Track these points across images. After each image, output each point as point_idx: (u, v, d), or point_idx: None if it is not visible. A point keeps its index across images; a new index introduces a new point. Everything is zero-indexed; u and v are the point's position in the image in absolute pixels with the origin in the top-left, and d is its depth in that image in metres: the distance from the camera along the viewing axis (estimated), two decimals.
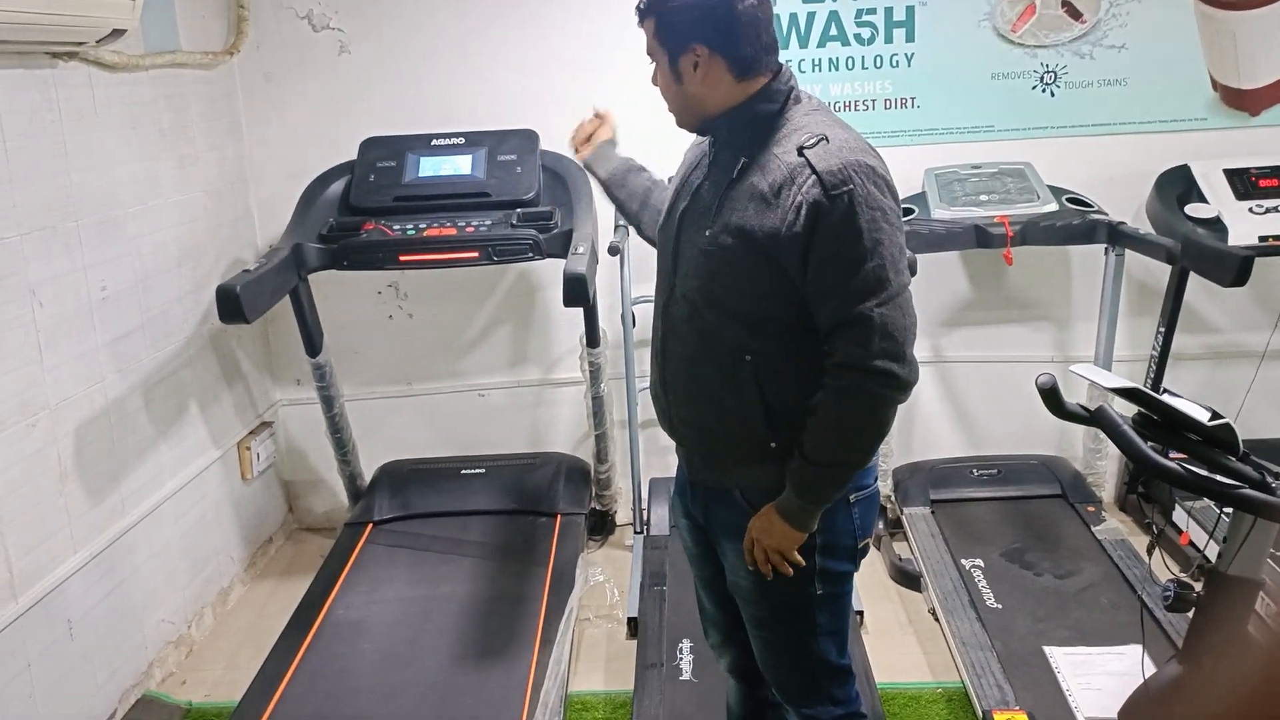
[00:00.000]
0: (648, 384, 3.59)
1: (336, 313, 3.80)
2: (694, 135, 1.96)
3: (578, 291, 2.79)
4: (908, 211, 3.48)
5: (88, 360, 2.80)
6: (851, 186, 1.64)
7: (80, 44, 2.73)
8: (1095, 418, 1.98)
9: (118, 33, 2.72)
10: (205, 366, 3.44)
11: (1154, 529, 2.86)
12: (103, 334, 2.86)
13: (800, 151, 1.68)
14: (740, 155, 1.76)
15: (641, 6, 1.83)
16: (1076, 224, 3.34)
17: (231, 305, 2.77)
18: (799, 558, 1.79)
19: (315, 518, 4.11)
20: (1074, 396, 2.46)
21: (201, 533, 3.36)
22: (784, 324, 1.74)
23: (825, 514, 1.80)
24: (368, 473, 3.83)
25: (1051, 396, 2.05)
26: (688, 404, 1.89)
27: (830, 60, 3.67)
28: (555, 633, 2.83)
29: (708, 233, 1.77)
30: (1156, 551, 2.18)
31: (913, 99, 3.71)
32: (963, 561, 3.26)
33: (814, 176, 1.64)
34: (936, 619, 3.17)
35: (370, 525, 3.52)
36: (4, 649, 2.42)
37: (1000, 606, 3.01)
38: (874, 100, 3.71)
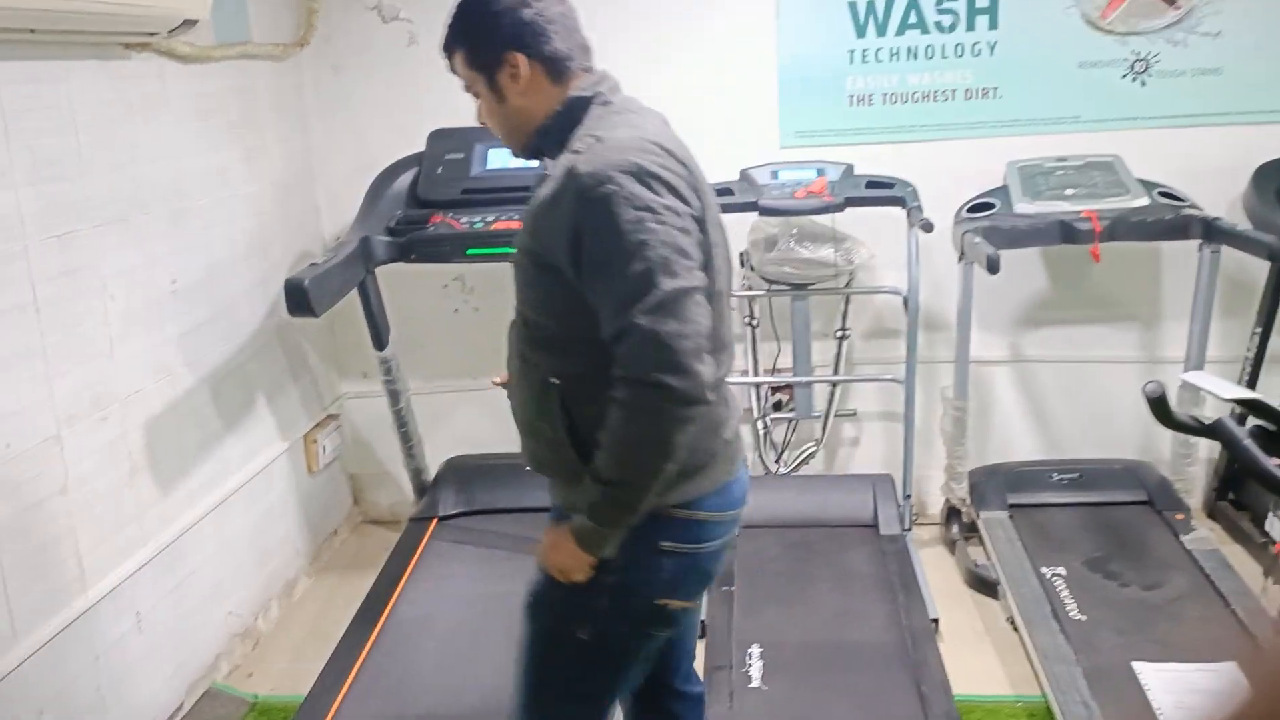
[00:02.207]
0: None
1: (402, 306, 3.78)
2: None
3: None
4: (988, 206, 3.36)
5: (157, 353, 2.79)
6: (613, 187, 1.54)
7: (153, 34, 2.72)
8: (1213, 430, 1.86)
9: (189, 23, 2.71)
10: (272, 359, 3.44)
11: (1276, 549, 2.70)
12: (172, 327, 2.86)
13: (574, 154, 1.61)
14: (545, 166, 1.75)
15: (448, 42, 1.77)
16: (1169, 219, 3.19)
17: (300, 299, 2.75)
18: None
19: (380, 511, 4.10)
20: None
21: (268, 525, 3.36)
22: (589, 343, 1.61)
23: (627, 551, 1.66)
24: (433, 467, 3.80)
25: (1160, 405, 1.94)
26: (520, 428, 1.85)
27: (909, 49, 3.56)
28: None
29: (513, 252, 1.75)
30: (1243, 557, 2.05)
31: (994, 89, 3.58)
32: (1043, 569, 3.14)
33: (577, 179, 1.56)
34: (1015, 628, 3.05)
35: (435, 521, 3.49)
36: (74, 641, 2.42)
37: (1084, 618, 2.89)
38: (954, 90, 3.59)
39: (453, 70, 1.79)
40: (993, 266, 2.95)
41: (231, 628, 3.10)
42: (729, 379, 1.76)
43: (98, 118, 2.57)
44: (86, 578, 2.47)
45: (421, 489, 3.74)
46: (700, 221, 1.62)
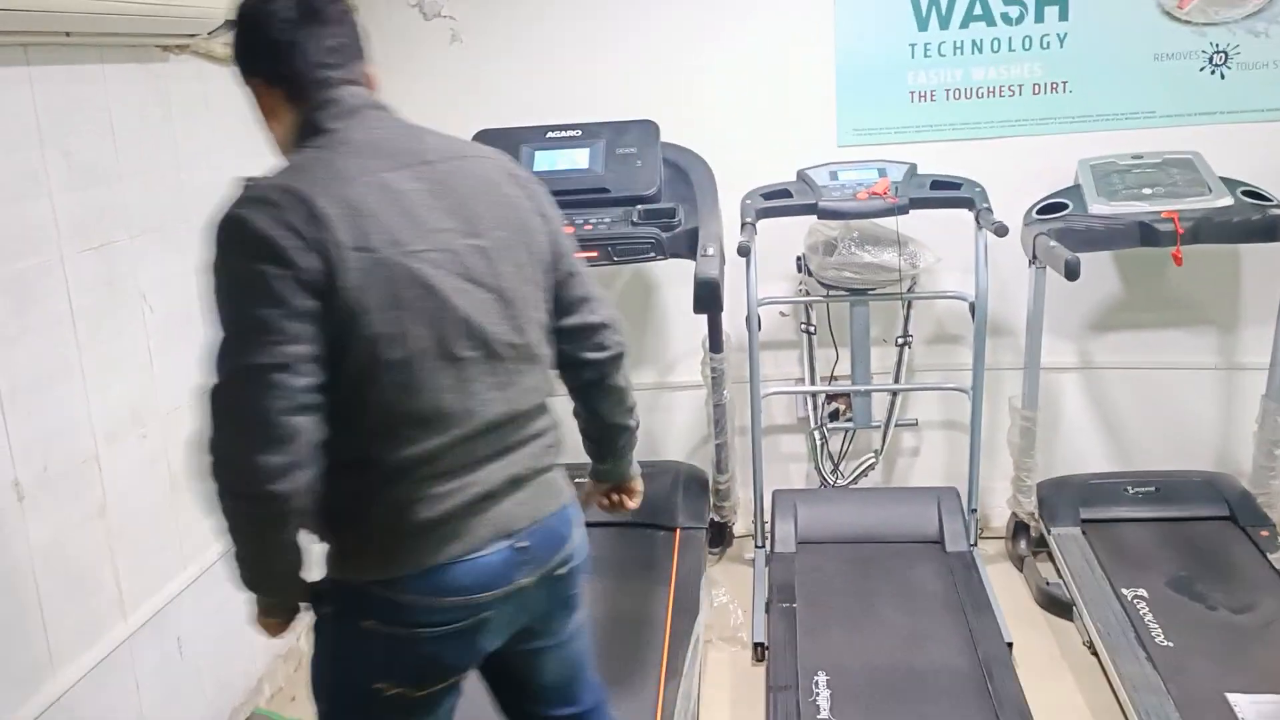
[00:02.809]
0: (772, 389, 3.38)
1: None
2: None
3: (710, 297, 2.60)
4: (1060, 207, 3.19)
5: (198, 366, 2.68)
6: (215, 248, 1.46)
7: (192, 36, 2.62)
8: None
9: (230, 24, 2.59)
10: None
11: None
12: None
13: None
14: None
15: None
16: (1256, 220, 3.01)
17: None
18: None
19: None
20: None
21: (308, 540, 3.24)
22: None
23: (334, 625, 1.62)
24: None
25: None
26: None
27: (974, 43, 3.39)
28: (682, 662, 2.65)
29: None
30: None
31: (1064, 83, 3.41)
32: (1123, 591, 2.98)
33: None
34: (1094, 652, 2.90)
35: None
36: (114, 669, 2.32)
37: (1171, 644, 2.73)
38: (1021, 85, 3.42)
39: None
40: (1072, 272, 2.79)
41: (274, 649, 2.99)
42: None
43: (136, 122, 2.46)
44: (126, 602, 2.37)
45: None
46: (331, 287, 1.42)
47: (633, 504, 2.00)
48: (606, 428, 1.86)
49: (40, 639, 2.11)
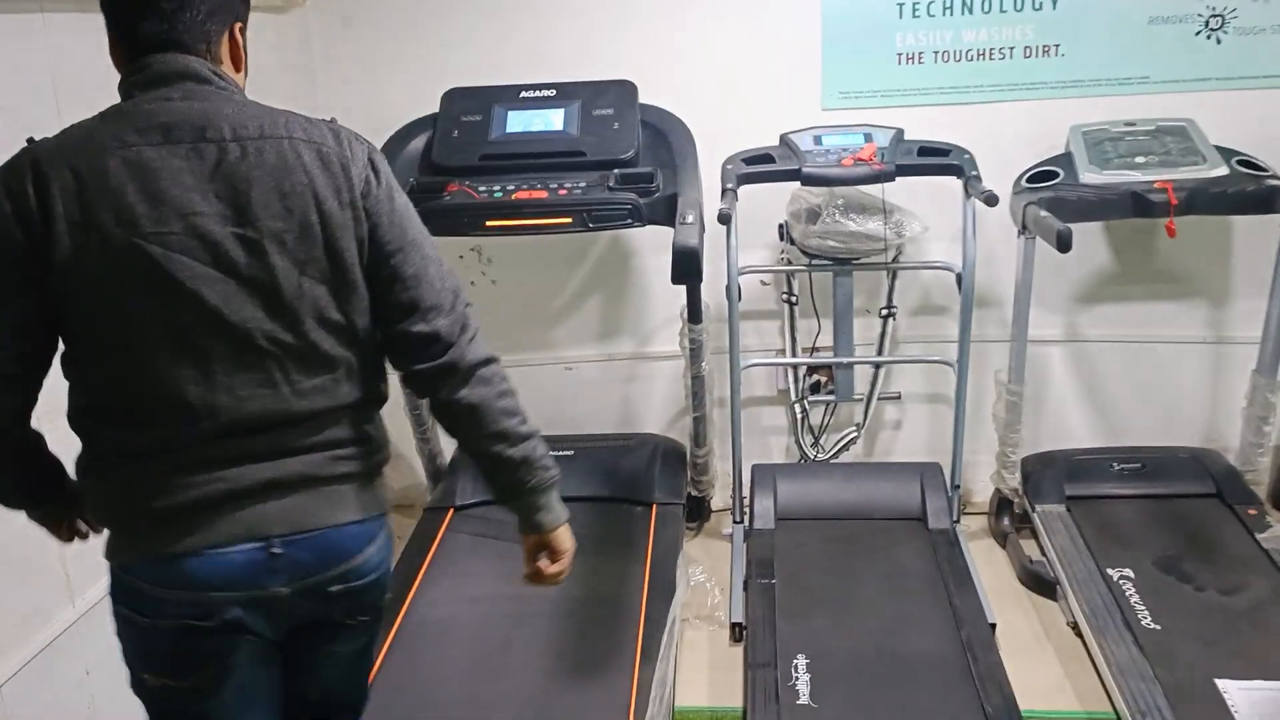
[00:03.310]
0: (752, 361, 3.28)
1: None
2: None
3: (689, 267, 2.48)
4: (1051, 175, 3.09)
5: None
6: None
7: None
8: None
9: None
10: None
11: None
12: None
13: None
14: None
15: None
16: (1252, 190, 2.92)
17: None
18: None
19: (393, 494, 3.87)
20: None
21: None
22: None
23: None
24: (447, 451, 3.57)
25: None
26: None
27: (964, 3, 3.27)
28: (658, 645, 2.55)
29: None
30: None
31: (1056, 46, 3.29)
32: (1109, 571, 2.91)
33: None
34: (1078, 633, 2.83)
35: (451, 511, 3.26)
36: (60, 656, 2.21)
37: (1159, 627, 2.66)
38: (1011, 48, 3.30)
39: None
40: (1064, 244, 2.69)
41: None
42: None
43: (79, 80, 2.30)
44: (73, 586, 2.25)
45: (436, 475, 3.52)
46: (38, 260, 1.38)
47: (554, 569, 1.75)
48: (477, 458, 1.66)
49: None
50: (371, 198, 1.51)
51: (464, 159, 3.04)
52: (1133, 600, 2.78)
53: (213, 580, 1.48)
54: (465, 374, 1.57)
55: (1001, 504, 3.41)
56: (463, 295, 1.61)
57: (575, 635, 2.66)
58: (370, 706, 2.39)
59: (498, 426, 1.60)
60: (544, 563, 1.73)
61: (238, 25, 1.57)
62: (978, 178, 2.99)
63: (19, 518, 2.09)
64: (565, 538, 1.73)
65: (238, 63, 1.59)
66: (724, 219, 2.87)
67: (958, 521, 3.26)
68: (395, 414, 3.48)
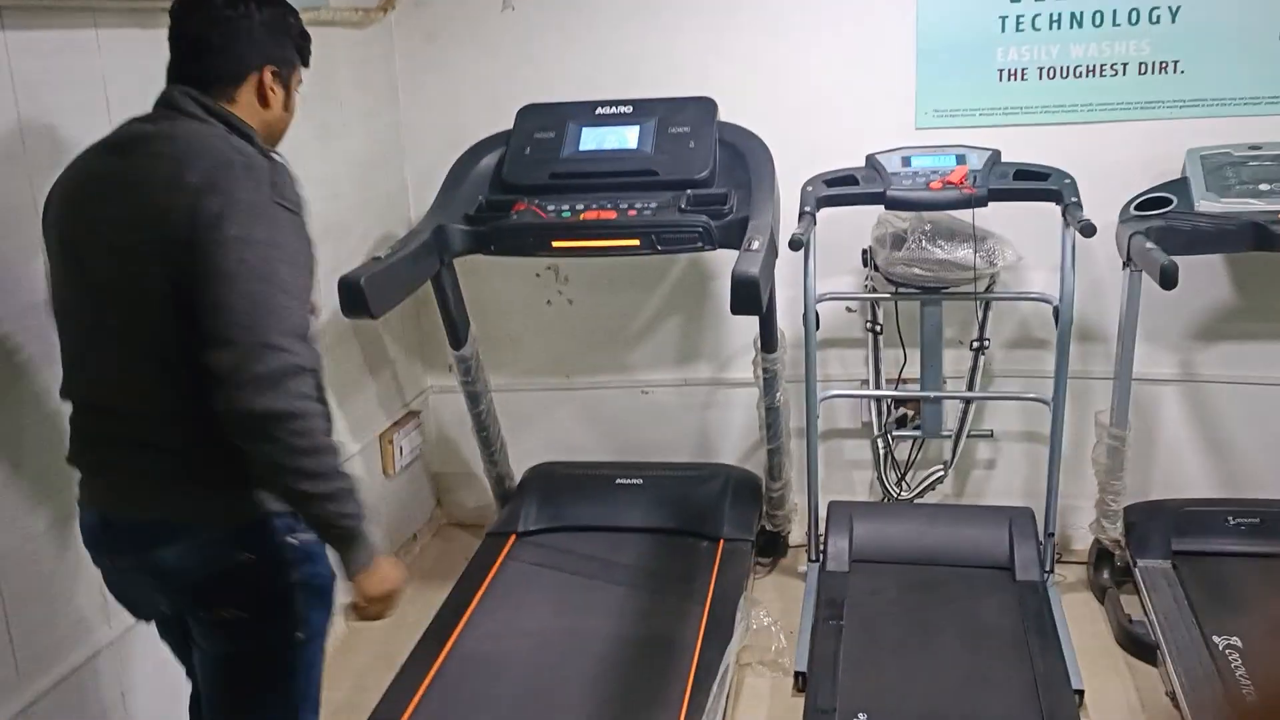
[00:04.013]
0: (832, 392, 3.11)
1: (491, 296, 3.49)
2: None
3: (748, 297, 2.34)
4: (1163, 202, 2.85)
5: None
6: None
7: None
8: None
9: None
10: (346, 355, 3.18)
11: None
12: None
13: None
14: None
15: None
16: None
17: (355, 299, 2.47)
18: None
19: (465, 513, 3.83)
20: None
21: None
22: None
23: None
24: (518, 472, 3.51)
25: None
26: None
27: (1073, 15, 3.04)
28: (705, 698, 2.41)
29: None
30: None
31: (1175, 63, 3.04)
32: (1215, 638, 2.65)
33: None
34: (1176, 704, 2.58)
35: (514, 537, 3.19)
36: (95, 677, 2.20)
37: (1263, 705, 2.39)
38: (1125, 64, 3.06)
39: None
40: (1168, 280, 2.45)
41: None
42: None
43: (137, 94, 2.30)
44: (110, 607, 2.23)
45: (504, 497, 3.45)
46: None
47: (368, 612, 1.72)
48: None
49: (3, 646, 1.99)
50: (212, 221, 1.52)
51: (534, 177, 2.96)
52: (1238, 673, 2.52)
53: (84, 535, 1.78)
54: (249, 418, 1.49)
55: (1101, 555, 3.16)
56: (281, 338, 1.49)
57: (623, 678, 2.55)
58: None
59: (286, 487, 1.58)
60: (359, 601, 1.73)
61: (269, 69, 1.74)
62: (1077, 204, 2.77)
63: (59, 537, 2.10)
64: (368, 584, 1.69)
65: (265, 101, 1.75)
66: (796, 245, 2.72)
67: (1050, 572, 3.02)
68: (466, 434, 3.45)
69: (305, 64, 1.83)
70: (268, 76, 1.73)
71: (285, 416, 1.48)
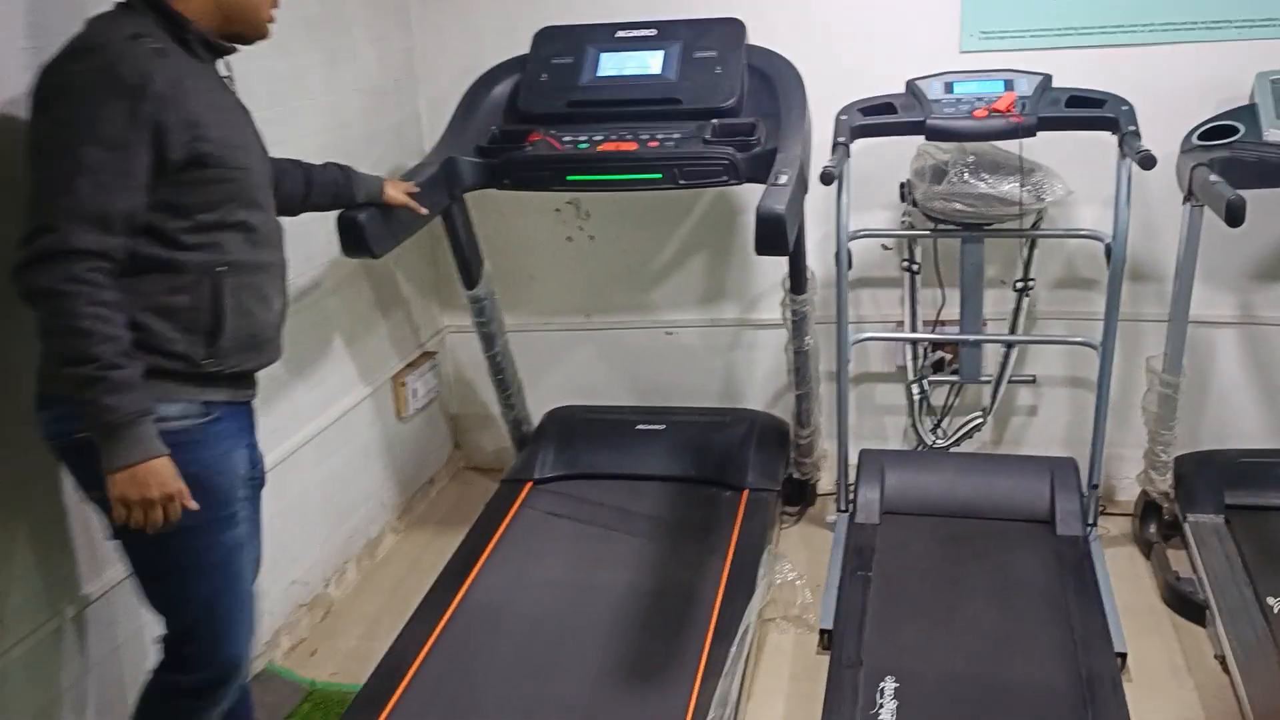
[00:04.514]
0: (865, 335, 2.95)
1: (508, 231, 3.34)
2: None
3: (774, 236, 2.16)
4: (1229, 131, 2.63)
5: None
6: None
7: None
8: None
9: None
10: (356, 293, 3.05)
11: None
12: None
13: None
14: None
15: None
16: None
17: (355, 237, 2.32)
18: None
19: (484, 456, 3.73)
20: None
21: (347, 479, 3.01)
22: None
23: None
24: (536, 415, 3.38)
25: None
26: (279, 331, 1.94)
27: None
28: (724, 658, 2.29)
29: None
30: None
31: None
32: (1269, 600, 2.49)
33: None
34: (1226, 669, 2.44)
35: (529, 484, 3.07)
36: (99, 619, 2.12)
37: None
38: None
39: None
40: (1235, 216, 2.26)
41: (296, 598, 2.78)
42: None
43: None
44: (99, 553, 2.14)
45: (522, 440, 3.33)
46: None
47: (126, 518, 1.65)
48: None
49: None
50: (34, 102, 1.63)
51: (550, 105, 2.79)
52: None
53: None
54: (25, 300, 1.58)
55: (1148, 508, 3.00)
56: (60, 219, 1.55)
57: (637, 636, 2.43)
58: (407, 696, 2.24)
59: (54, 367, 1.62)
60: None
61: None
62: (1135, 133, 2.56)
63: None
64: (120, 485, 1.62)
65: None
66: (828, 178, 2.53)
67: (1093, 525, 2.87)
68: (484, 375, 3.31)
69: None
70: None
71: (46, 294, 1.54)
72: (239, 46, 1.86)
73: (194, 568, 1.80)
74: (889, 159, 2.96)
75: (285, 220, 2.37)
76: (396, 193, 2.43)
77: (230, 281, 1.74)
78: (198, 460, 1.73)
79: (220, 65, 1.87)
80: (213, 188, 1.71)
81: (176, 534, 1.69)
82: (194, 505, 1.68)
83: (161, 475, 1.63)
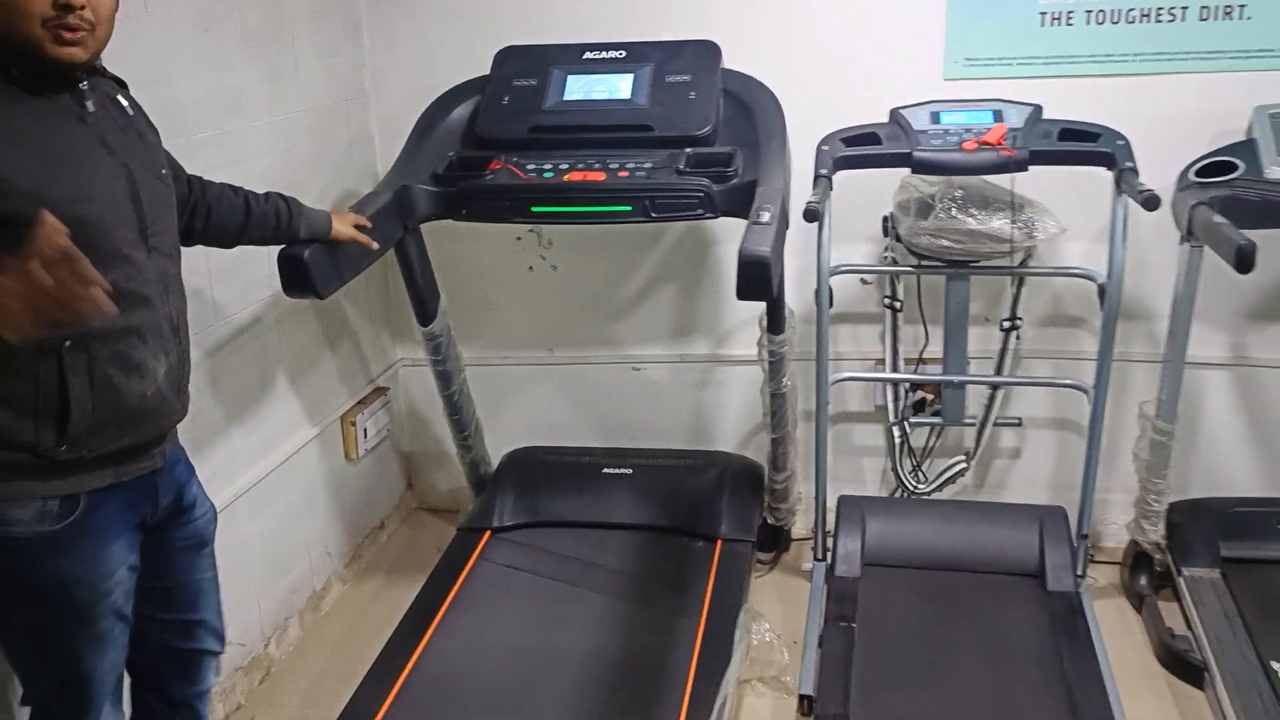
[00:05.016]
0: (844, 375, 2.79)
1: (465, 258, 3.15)
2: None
3: (758, 280, 1.99)
4: (1227, 168, 2.50)
5: None
6: None
7: None
8: None
9: None
10: (299, 326, 2.83)
11: None
12: None
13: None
14: (106, 78, 1.68)
15: None
16: None
17: (298, 276, 2.11)
18: None
19: (438, 496, 3.52)
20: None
21: (289, 528, 2.79)
22: None
23: None
24: (495, 456, 3.19)
25: None
26: (179, 383, 1.73)
27: None
28: None
29: (164, 171, 1.73)
30: None
31: (1241, 7, 2.68)
32: (1274, 665, 2.35)
33: None
34: None
35: (488, 533, 2.87)
36: None
37: None
38: (1184, 8, 2.70)
39: None
40: (1245, 263, 2.12)
41: (233, 660, 2.55)
42: None
43: None
44: None
45: (479, 483, 3.13)
46: None
47: None
48: None
49: None
50: None
51: (512, 130, 2.60)
52: None
53: None
54: None
55: (1139, 559, 2.86)
56: None
57: (607, 702, 2.25)
58: None
59: None
60: None
61: None
62: (1133, 170, 2.42)
63: None
64: None
65: None
66: (811, 215, 2.37)
67: (1082, 577, 2.72)
68: (439, 410, 3.11)
69: None
70: None
71: None
72: (81, 74, 1.56)
73: (43, 663, 1.64)
74: (869, 190, 2.80)
75: (221, 251, 2.19)
76: (345, 228, 2.22)
77: (79, 357, 1.49)
78: (52, 572, 1.55)
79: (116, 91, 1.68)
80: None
81: (20, 636, 1.56)
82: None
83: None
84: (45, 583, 1.56)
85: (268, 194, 2.09)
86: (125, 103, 1.69)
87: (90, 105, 1.57)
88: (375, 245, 2.31)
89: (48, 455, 1.50)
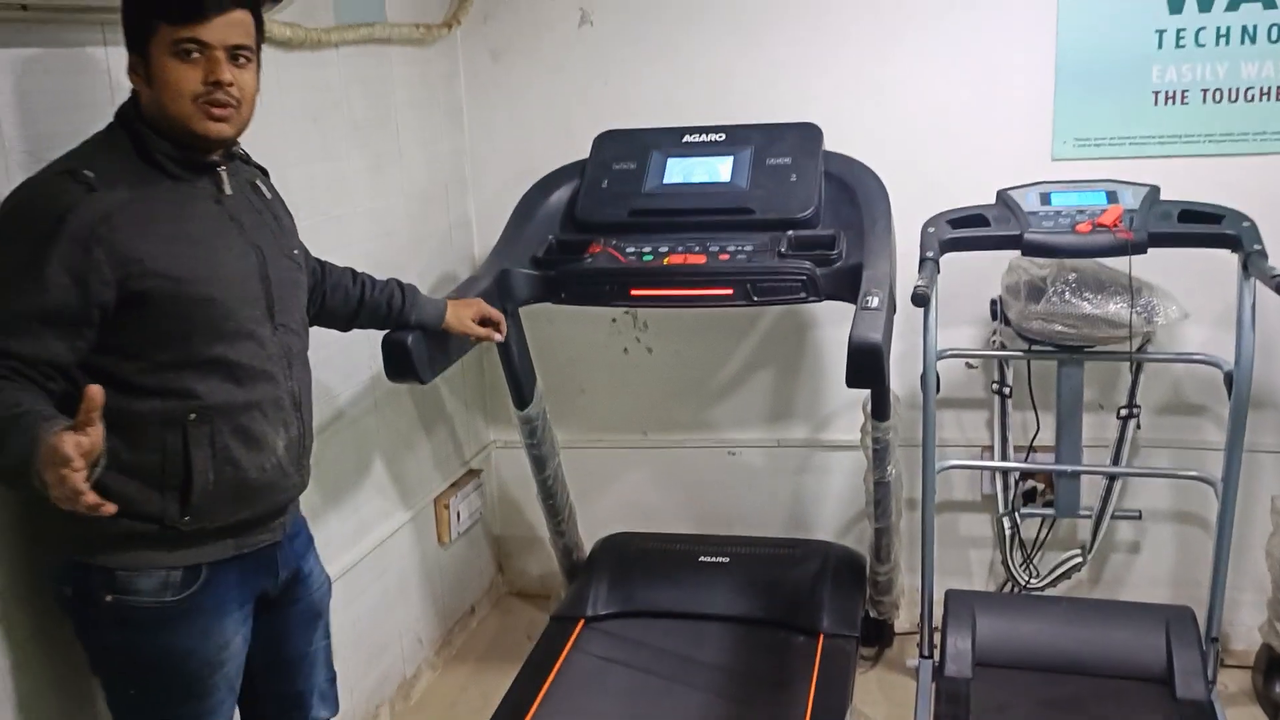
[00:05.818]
0: (950, 462, 2.68)
1: (560, 342, 3.13)
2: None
3: (870, 368, 1.93)
4: None
5: None
6: None
7: None
8: None
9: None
10: (397, 411, 2.83)
11: None
12: None
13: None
14: (249, 165, 1.76)
15: None
16: None
17: (401, 362, 2.11)
18: None
19: (529, 581, 3.46)
20: None
21: (381, 615, 2.75)
22: None
23: None
24: (588, 542, 3.13)
25: None
26: (306, 452, 1.79)
27: (1245, 29, 2.61)
28: None
29: (295, 252, 1.77)
30: None
31: None
32: None
33: None
34: None
35: (581, 622, 2.79)
36: None
37: None
38: None
39: (231, 11, 1.54)
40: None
41: None
42: None
43: None
44: None
45: (572, 570, 3.07)
46: None
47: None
48: None
49: None
50: None
51: (612, 214, 2.60)
52: None
53: None
54: None
55: (1272, 664, 2.67)
56: None
57: None
58: None
59: None
60: None
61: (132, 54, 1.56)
62: (1262, 253, 2.31)
63: None
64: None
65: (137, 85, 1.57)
66: (919, 300, 2.30)
67: (1213, 683, 2.55)
68: (532, 494, 3.06)
69: (169, 20, 1.50)
70: (132, 59, 1.55)
71: None
72: (217, 158, 1.62)
73: None
74: (974, 273, 2.72)
75: (323, 330, 2.18)
76: (461, 323, 2.20)
77: (203, 430, 1.53)
78: (169, 643, 1.57)
79: (256, 177, 1.74)
80: (165, 324, 1.50)
81: (133, 707, 1.58)
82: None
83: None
84: (161, 654, 1.57)
85: (386, 281, 2.12)
86: (264, 188, 1.75)
87: (228, 189, 1.63)
88: (500, 338, 2.31)
89: (173, 526, 1.53)
